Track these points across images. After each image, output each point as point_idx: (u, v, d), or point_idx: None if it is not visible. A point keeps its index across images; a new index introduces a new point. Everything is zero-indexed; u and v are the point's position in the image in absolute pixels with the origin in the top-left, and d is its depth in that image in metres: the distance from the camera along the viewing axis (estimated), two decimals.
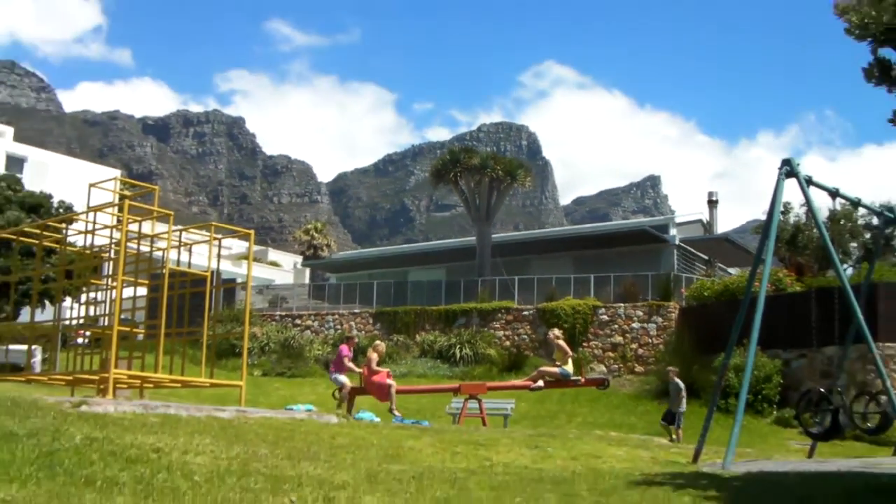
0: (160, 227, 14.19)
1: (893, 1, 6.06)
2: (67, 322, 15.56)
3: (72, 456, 5.75)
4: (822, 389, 10.47)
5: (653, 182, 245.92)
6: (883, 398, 10.92)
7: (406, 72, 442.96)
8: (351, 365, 15.50)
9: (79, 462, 5.59)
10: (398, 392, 15.46)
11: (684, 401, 17.76)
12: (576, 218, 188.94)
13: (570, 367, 15.70)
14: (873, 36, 6.28)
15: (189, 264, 13.68)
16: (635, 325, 29.07)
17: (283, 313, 35.25)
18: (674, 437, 16.72)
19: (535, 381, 15.91)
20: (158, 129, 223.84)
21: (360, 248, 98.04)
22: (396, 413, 15.07)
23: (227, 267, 43.17)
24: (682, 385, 17.81)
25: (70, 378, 12.77)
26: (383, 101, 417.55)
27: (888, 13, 6.09)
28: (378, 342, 17.48)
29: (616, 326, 29.29)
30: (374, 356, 15.40)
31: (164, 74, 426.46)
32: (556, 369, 15.71)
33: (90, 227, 13.63)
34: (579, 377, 15.88)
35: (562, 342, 16.10)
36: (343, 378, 15.26)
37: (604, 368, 28.73)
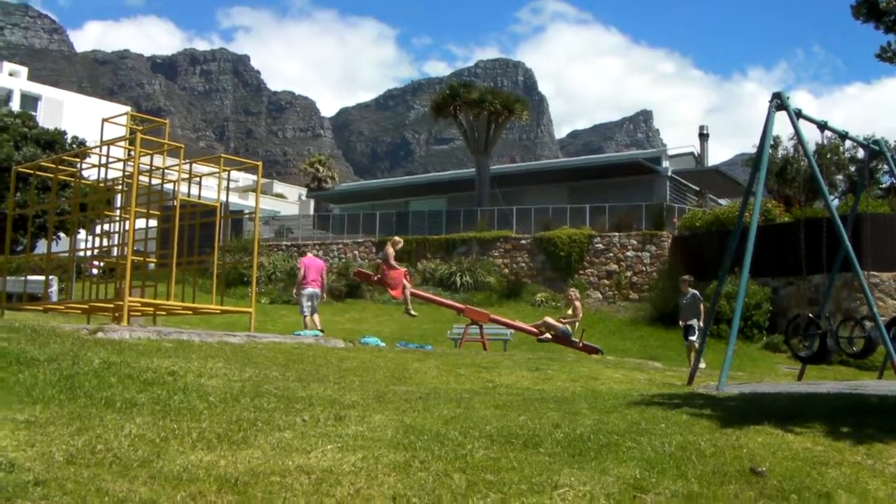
0: (170, 161, 14.16)
1: None
2: (82, 253, 15.63)
3: (91, 379, 5.86)
4: (810, 315, 10.57)
5: (645, 116, 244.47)
6: (868, 324, 11.10)
7: (405, 6, 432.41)
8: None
9: (98, 385, 5.69)
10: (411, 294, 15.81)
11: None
12: (570, 151, 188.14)
13: (571, 329, 16.01)
14: None
15: (199, 196, 13.75)
16: (629, 253, 29.33)
17: (289, 243, 35.37)
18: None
19: (541, 332, 16.15)
20: (166, 67, 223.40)
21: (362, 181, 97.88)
22: (412, 313, 15.63)
23: (235, 199, 43.28)
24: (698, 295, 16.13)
25: (86, 306, 12.99)
26: (384, 35, 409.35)
27: None
28: (396, 237, 16.88)
29: (611, 255, 29.56)
30: (391, 251, 15.49)
31: (169, 11, 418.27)
32: (560, 325, 15.95)
33: (103, 160, 13.67)
34: (578, 341, 16.00)
35: (578, 304, 16.51)
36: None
37: (599, 295, 29.15)
